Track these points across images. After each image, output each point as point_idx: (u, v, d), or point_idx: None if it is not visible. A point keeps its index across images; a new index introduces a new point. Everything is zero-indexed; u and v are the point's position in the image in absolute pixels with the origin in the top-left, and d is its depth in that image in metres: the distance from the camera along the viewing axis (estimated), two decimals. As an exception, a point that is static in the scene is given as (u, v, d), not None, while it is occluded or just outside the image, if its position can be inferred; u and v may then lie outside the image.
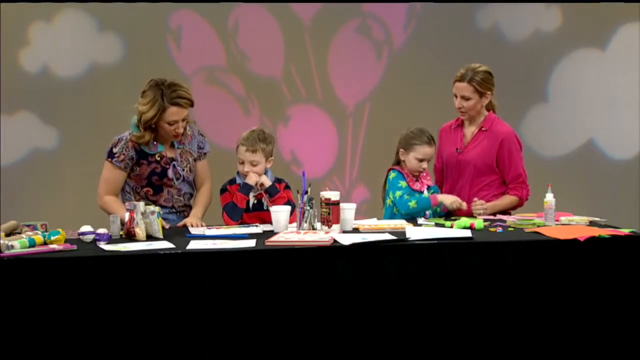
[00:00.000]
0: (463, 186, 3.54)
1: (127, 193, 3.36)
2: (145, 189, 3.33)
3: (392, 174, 3.47)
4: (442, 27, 4.95)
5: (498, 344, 2.65)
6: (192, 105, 3.28)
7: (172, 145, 3.36)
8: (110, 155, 3.27)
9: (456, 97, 3.50)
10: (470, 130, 3.59)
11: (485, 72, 3.49)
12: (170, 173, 3.33)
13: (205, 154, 3.49)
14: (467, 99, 3.47)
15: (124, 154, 3.26)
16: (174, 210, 3.39)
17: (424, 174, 3.51)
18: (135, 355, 2.47)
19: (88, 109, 4.77)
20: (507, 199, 3.52)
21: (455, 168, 3.58)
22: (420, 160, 3.43)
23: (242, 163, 3.33)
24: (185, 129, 3.32)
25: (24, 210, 4.30)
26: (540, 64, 5.02)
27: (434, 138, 3.48)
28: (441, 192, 3.54)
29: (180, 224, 3.23)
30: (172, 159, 3.34)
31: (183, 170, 3.37)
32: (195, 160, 3.45)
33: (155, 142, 3.30)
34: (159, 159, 3.31)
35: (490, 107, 3.59)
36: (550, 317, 2.66)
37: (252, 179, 3.29)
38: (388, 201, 3.48)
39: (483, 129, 3.53)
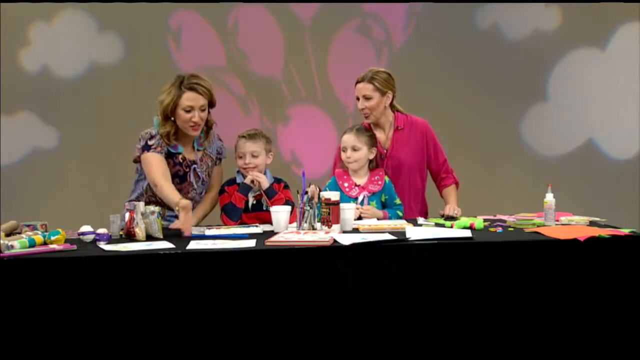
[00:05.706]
0: (402, 187, 3.50)
1: (143, 193, 3.29)
2: None
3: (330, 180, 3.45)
4: (442, 27, 4.95)
5: (498, 344, 2.65)
6: (211, 97, 3.22)
7: (193, 149, 3.31)
8: (147, 147, 3.19)
9: (358, 99, 3.49)
10: (383, 135, 3.56)
11: (385, 72, 3.50)
12: (191, 176, 3.28)
13: (221, 159, 3.46)
14: (368, 98, 3.46)
15: (160, 147, 3.19)
16: None
17: (376, 179, 3.41)
18: (135, 355, 2.47)
19: (88, 109, 4.78)
20: (452, 190, 3.58)
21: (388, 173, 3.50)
22: (343, 150, 3.40)
23: (242, 157, 3.32)
24: (209, 131, 3.31)
25: (24, 210, 4.31)
26: (540, 64, 5.02)
27: (364, 129, 3.42)
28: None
29: (173, 225, 3.00)
30: (193, 162, 3.30)
31: (203, 173, 3.33)
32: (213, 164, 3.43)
33: (175, 144, 3.24)
34: (181, 160, 3.26)
35: (395, 110, 3.58)
36: (550, 317, 2.66)
37: (248, 178, 3.28)
38: None
39: (399, 128, 3.54)
